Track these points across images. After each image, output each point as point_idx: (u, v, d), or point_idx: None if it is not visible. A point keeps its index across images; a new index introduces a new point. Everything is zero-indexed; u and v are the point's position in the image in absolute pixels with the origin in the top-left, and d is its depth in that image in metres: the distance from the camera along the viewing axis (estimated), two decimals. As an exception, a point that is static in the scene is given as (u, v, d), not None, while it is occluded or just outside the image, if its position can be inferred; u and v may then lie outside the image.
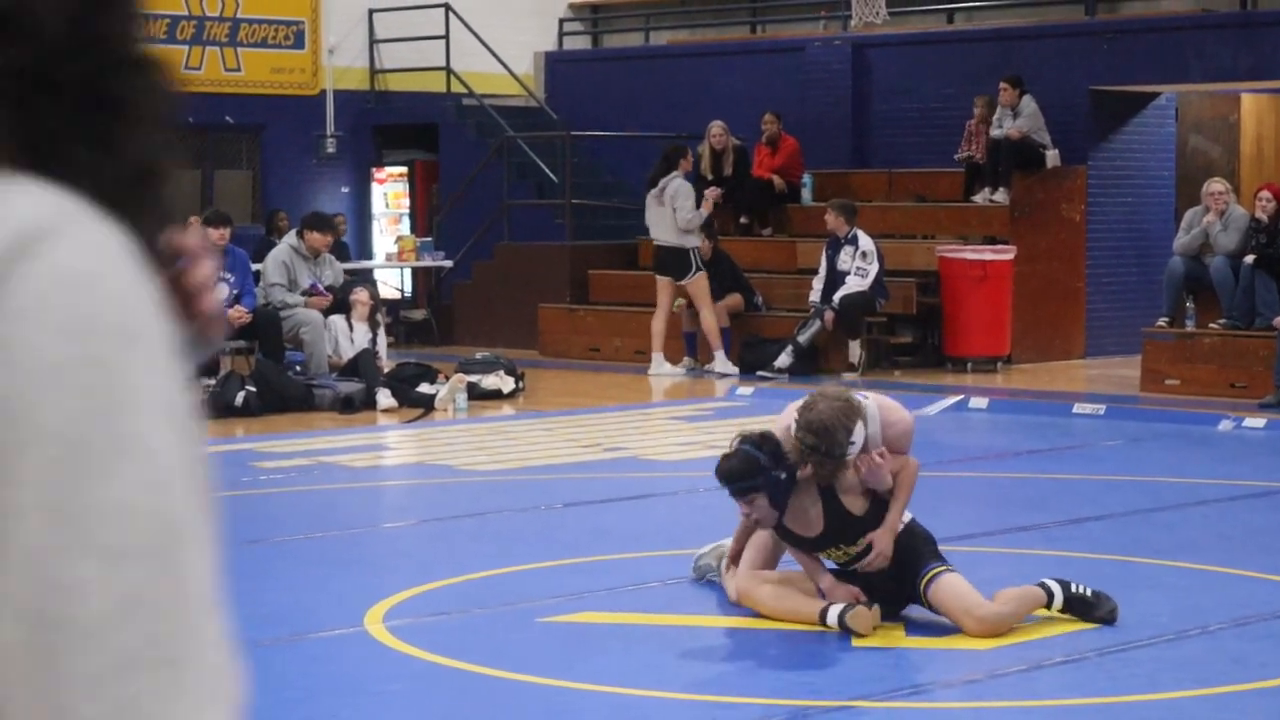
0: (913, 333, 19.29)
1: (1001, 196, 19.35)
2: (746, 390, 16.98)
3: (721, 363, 18.35)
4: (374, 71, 25.03)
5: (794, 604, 7.60)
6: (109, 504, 1.15)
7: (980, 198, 19.57)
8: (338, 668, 6.95)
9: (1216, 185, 16.96)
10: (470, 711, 6.32)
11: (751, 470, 7.41)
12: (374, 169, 25.61)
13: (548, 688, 6.61)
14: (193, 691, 1.15)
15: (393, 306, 22.59)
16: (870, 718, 6.27)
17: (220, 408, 15.21)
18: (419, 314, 23.39)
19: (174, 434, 1.18)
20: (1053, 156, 19.37)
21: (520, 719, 6.24)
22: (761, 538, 7.88)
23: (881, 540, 7.50)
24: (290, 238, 17.08)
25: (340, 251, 18.77)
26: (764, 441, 7.51)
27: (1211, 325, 16.79)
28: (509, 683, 6.65)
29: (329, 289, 16.71)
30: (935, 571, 7.45)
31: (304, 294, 16.54)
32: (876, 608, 7.42)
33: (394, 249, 23.33)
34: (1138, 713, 6.27)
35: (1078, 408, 15.22)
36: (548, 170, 23.06)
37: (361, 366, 16.02)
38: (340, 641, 7.35)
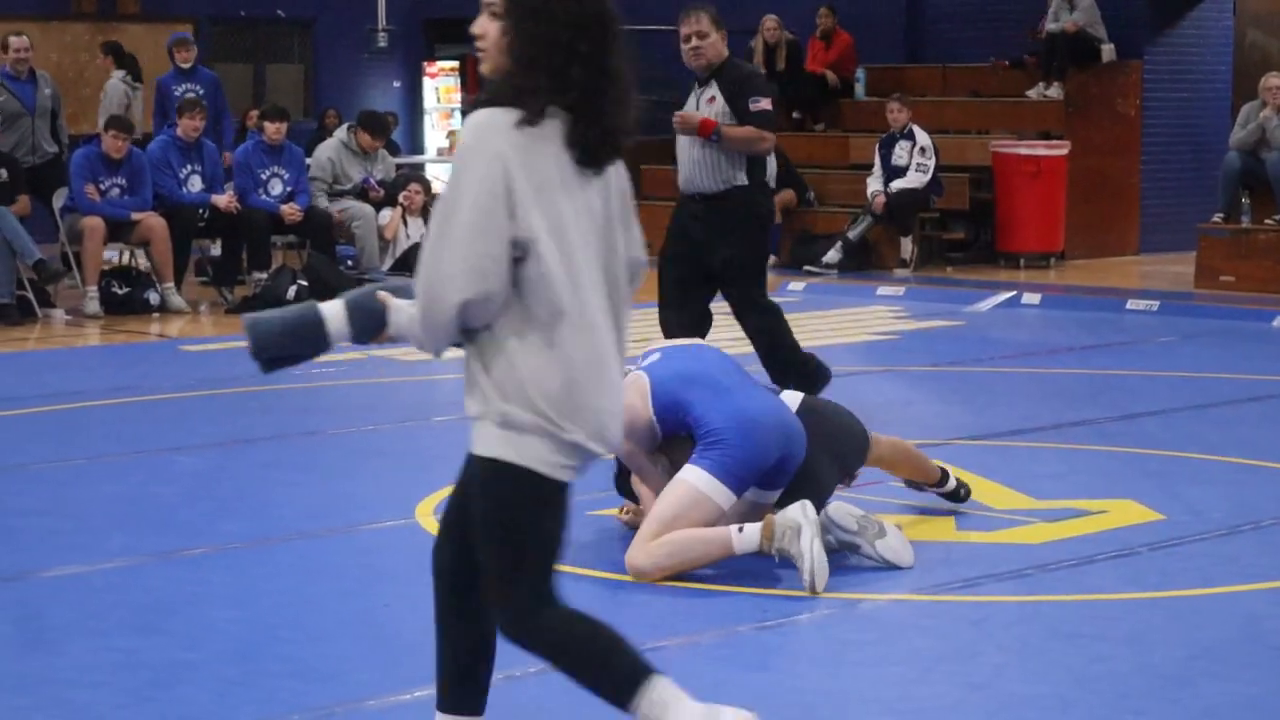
0: (965, 228, 19.20)
1: (1056, 91, 19.20)
2: (797, 286, 16.94)
3: None
4: (425, -36, 24.95)
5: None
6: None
7: (1035, 92, 19.42)
8: (389, 559, 7.00)
9: (1274, 80, 16.80)
10: (521, 602, 6.34)
11: None
12: (425, 63, 25.56)
13: (598, 580, 6.64)
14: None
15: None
16: (921, 611, 6.28)
17: (272, 301, 15.27)
18: (470, 209, 23.37)
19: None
20: (1108, 50, 19.19)
21: (571, 610, 6.26)
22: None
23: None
24: (341, 133, 17.04)
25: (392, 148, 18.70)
26: None
27: (1267, 221, 16.69)
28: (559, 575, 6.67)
29: (381, 184, 16.69)
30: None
31: (356, 188, 16.53)
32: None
33: (446, 144, 23.30)
34: (1189, 607, 6.26)
35: (1131, 304, 15.16)
36: (599, 65, 22.94)
37: (413, 261, 15.99)
38: (392, 533, 7.39)
